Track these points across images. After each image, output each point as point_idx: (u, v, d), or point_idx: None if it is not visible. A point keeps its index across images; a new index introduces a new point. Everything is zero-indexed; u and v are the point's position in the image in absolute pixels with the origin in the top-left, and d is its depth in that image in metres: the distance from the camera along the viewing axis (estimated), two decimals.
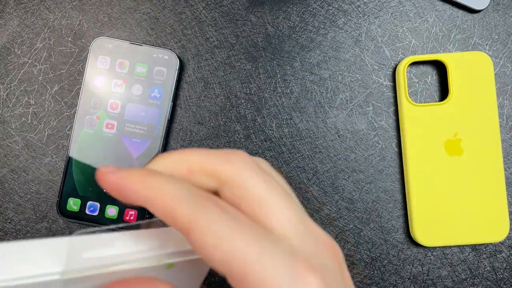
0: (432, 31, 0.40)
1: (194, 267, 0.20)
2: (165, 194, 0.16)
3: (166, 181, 0.17)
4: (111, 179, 0.17)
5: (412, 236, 0.39)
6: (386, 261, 0.40)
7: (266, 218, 0.17)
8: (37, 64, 0.41)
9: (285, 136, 0.40)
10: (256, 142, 0.40)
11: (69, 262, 0.17)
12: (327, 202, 0.40)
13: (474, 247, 0.40)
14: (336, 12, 0.41)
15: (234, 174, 0.18)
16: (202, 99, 0.40)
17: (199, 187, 0.19)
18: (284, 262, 0.16)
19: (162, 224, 0.19)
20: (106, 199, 0.39)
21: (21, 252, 0.16)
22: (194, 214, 0.16)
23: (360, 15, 0.40)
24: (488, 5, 0.40)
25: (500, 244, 0.40)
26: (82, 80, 0.40)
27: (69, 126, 0.40)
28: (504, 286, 0.39)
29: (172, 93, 0.39)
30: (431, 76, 0.40)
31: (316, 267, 0.16)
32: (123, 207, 0.39)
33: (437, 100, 0.40)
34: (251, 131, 0.40)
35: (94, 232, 0.18)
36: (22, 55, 0.41)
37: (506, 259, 0.40)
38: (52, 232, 0.40)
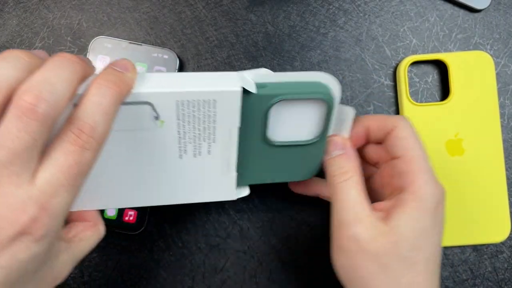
0: (433, 30, 0.40)
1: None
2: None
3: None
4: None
5: None
6: None
7: (413, 169, 0.29)
8: None
9: None
10: None
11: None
12: (327, 202, 0.40)
13: (475, 248, 0.39)
14: (336, 12, 0.40)
15: (399, 127, 0.30)
16: None
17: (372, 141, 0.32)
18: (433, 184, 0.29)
19: None
20: None
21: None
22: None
23: (361, 14, 0.40)
24: (489, 4, 0.40)
25: (501, 245, 0.39)
26: None
27: None
28: (506, 287, 0.39)
29: None
30: (432, 75, 0.40)
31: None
32: (122, 208, 0.38)
33: (438, 100, 0.40)
34: None
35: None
36: None
37: (508, 260, 0.39)
38: None
